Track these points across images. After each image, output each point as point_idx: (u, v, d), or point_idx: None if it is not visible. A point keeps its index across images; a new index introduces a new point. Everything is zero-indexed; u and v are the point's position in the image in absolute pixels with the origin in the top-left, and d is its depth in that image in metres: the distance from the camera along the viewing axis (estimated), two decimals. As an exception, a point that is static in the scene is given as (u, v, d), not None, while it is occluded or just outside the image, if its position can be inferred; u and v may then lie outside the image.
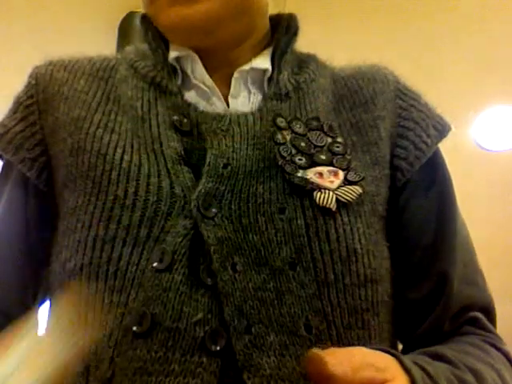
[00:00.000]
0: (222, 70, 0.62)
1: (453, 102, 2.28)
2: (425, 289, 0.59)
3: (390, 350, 0.46)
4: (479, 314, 0.59)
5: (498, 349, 0.57)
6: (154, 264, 0.49)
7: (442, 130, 0.62)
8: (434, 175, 0.62)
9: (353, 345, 0.50)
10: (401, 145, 0.61)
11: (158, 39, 0.63)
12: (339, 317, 0.50)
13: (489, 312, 0.60)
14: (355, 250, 0.52)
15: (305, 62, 0.66)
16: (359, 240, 0.52)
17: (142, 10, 0.64)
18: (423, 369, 0.45)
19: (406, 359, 0.45)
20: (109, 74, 0.63)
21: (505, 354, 0.57)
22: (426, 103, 0.64)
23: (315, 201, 0.52)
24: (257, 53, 0.63)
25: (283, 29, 0.64)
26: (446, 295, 0.58)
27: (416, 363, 0.46)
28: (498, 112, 2.55)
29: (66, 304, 0.52)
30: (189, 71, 0.62)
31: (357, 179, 0.54)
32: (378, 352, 0.44)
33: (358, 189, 0.54)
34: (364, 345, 0.50)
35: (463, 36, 2.23)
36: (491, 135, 2.59)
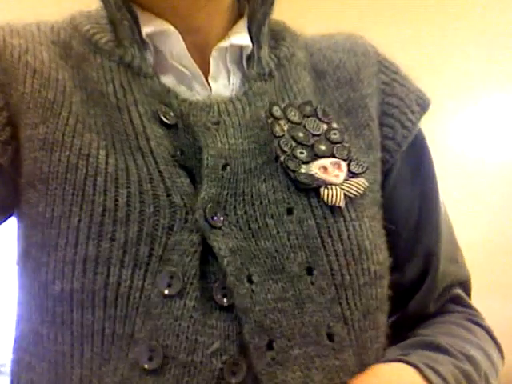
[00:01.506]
0: (196, 47, 0.54)
1: (453, 102, 2.27)
2: (411, 270, 0.59)
3: (406, 359, 0.47)
4: (460, 291, 0.60)
5: (481, 326, 0.59)
6: (163, 290, 0.44)
7: (424, 104, 0.60)
8: (420, 153, 0.61)
9: (367, 348, 0.49)
10: (387, 123, 0.58)
11: (123, 9, 0.52)
12: (357, 320, 0.48)
13: (467, 287, 0.62)
14: (365, 247, 0.50)
15: (278, 33, 0.59)
16: (367, 236, 0.50)
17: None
18: (435, 370, 0.46)
19: (426, 369, 0.46)
20: (64, 51, 0.52)
21: (486, 331, 0.59)
22: (406, 76, 0.61)
23: (322, 198, 0.49)
24: (228, 23, 0.56)
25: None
26: (432, 275, 0.58)
27: (428, 365, 0.47)
28: (498, 112, 2.58)
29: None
30: (166, 50, 0.53)
31: (360, 170, 0.52)
32: (396, 367, 0.44)
33: (363, 181, 0.51)
34: (374, 346, 0.50)
35: (464, 36, 2.21)
36: (491, 135, 2.63)
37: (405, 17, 2.21)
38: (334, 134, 0.53)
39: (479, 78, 2.33)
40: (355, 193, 0.50)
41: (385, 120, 0.58)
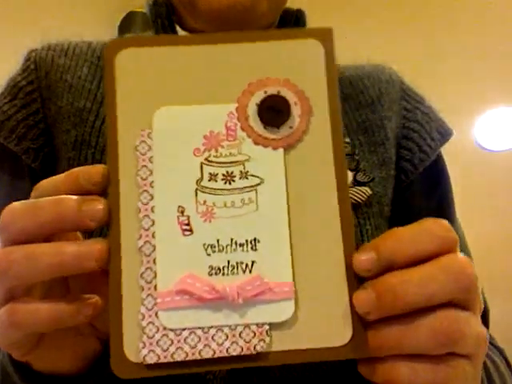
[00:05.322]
0: None
1: (454, 103, 2.28)
2: None
3: None
4: None
5: (495, 346, 0.58)
6: None
7: (445, 133, 0.62)
8: (437, 178, 0.62)
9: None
10: (405, 146, 0.60)
11: (167, 28, 0.60)
12: None
13: (484, 315, 0.60)
14: None
15: None
16: (367, 242, 0.51)
17: (142, 8, 0.62)
18: None
19: None
20: None
21: (500, 352, 0.58)
22: (430, 106, 0.64)
23: None
24: None
25: (291, 24, 0.63)
26: None
27: None
28: (499, 112, 2.55)
29: None
30: None
31: (366, 180, 0.54)
32: None
33: (367, 190, 0.53)
34: None
35: (464, 37, 2.22)
36: (492, 135, 2.59)
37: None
38: (345, 147, 0.56)
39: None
40: (358, 199, 0.52)
41: (404, 143, 0.60)
